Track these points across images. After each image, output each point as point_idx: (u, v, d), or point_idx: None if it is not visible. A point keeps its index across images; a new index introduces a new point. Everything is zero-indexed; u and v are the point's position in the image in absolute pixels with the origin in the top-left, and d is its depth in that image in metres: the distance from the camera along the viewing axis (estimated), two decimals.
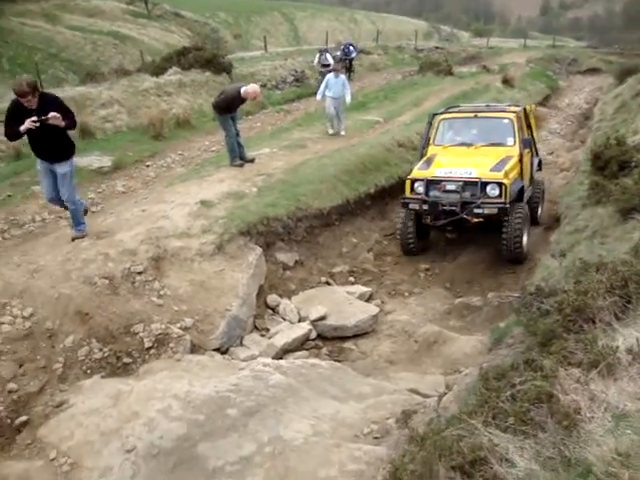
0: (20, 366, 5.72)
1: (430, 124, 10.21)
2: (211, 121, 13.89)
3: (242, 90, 10.16)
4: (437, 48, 33.01)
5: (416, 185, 8.94)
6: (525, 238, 9.10)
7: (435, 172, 8.89)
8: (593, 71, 28.42)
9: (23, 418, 5.29)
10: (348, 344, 7.16)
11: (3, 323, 5.98)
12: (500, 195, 8.52)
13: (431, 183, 8.83)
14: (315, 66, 21.32)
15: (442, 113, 10.31)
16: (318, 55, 20.78)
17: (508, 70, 22.27)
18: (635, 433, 2.41)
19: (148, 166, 11.66)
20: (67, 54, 33.12)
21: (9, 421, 5.26)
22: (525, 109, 10.46)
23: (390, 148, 11.78)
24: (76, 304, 6.30)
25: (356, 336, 7.32)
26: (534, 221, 10.23)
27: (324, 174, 10.11)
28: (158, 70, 19.49)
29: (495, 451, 2.83)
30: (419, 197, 8.85)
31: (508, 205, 8.51)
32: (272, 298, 7.79)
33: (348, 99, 13.32)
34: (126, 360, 6.06)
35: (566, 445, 2.62)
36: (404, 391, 5.56)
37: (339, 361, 6.62)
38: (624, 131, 11.35)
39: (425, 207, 8.83)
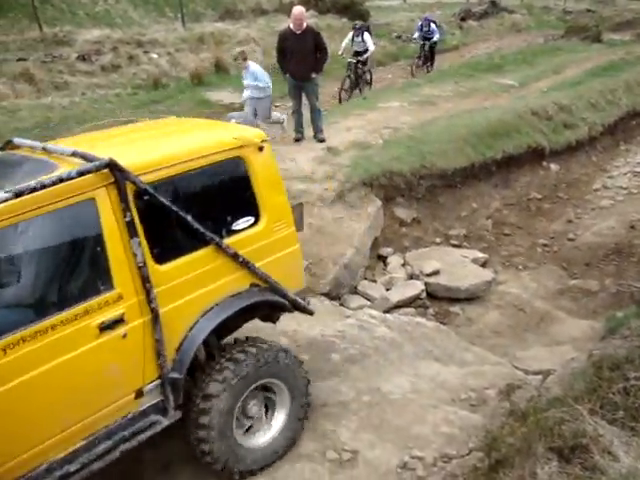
0: None
1: None
2: (340, 68, 13.87)
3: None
4: (588, 11, 30.66)
5: None
6: None
7: None
8: None
9: None
10: (455, 308, 7.13)
11: None
12: None
13: None
14: (343, 54, 13.52)
15: None
16: (350, 36, 13.26)
17: None
18: None
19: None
20: None
21: None
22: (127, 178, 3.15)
23: (522, 115, 11.24)
24: None
25: (464, 301, 7.26)
26: None
27: (452, 134, 9.87)
28: None
29: (599, 441, 2.81)
30: None
31: None
32: (385, 251, 7.87)
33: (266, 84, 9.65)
34: None
35: None
36: (507, 364, 5.53)
37: (444, 324, 6.66)
38: None
39: None
